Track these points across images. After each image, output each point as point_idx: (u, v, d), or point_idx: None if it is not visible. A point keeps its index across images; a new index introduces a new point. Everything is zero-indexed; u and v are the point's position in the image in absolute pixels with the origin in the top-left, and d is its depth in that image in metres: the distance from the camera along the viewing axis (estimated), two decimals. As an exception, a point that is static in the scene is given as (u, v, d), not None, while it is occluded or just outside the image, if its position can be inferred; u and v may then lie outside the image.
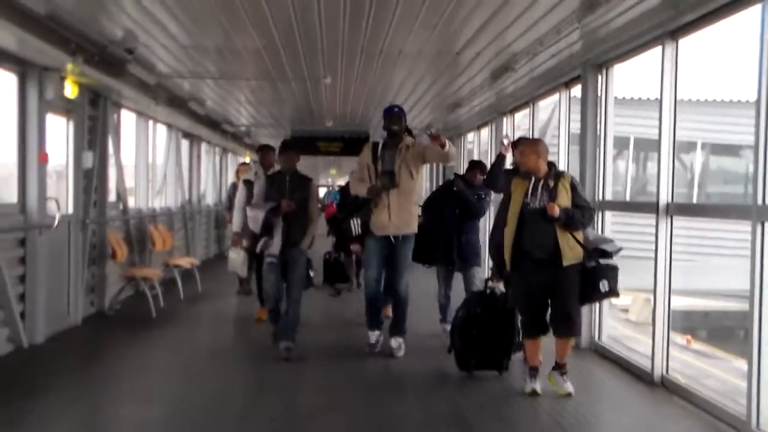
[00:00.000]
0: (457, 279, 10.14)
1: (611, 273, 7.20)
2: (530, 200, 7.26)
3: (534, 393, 7.34)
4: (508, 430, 6.50)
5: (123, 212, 12.90)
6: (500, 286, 8.03)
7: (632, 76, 19.35)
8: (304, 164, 10.08)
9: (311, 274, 9.57)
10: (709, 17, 7.04)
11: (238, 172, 13.79)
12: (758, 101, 6.01)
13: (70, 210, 10.46)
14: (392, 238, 8.76)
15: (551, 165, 7.45)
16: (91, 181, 11.00)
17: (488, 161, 11.49)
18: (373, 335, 9.00)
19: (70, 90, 9.64)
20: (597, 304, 8.91)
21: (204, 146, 20.47)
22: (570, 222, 7.13)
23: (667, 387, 7.59)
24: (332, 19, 8.66)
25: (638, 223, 11.08)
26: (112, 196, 12.27)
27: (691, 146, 22.16)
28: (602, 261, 7.20)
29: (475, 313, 8.00)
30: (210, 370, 8.48)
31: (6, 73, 8.98)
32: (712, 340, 16.11)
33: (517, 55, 10.17)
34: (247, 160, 24.36)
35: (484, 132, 17.11)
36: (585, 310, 7.97)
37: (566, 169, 9.67)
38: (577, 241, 7.17)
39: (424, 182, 21.01)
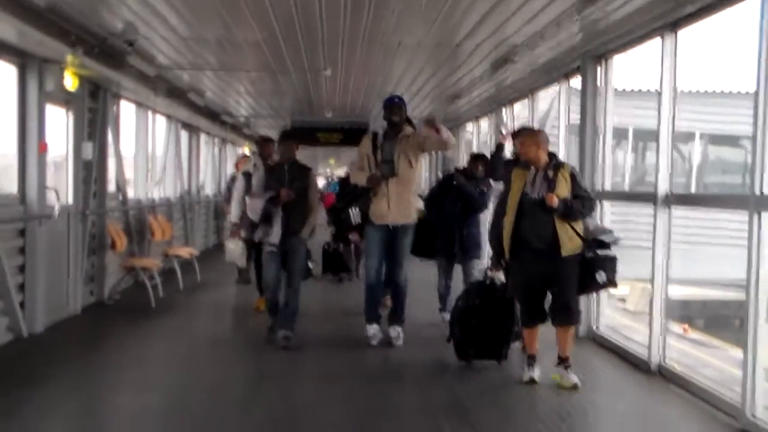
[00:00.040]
0: (456, 270, 10.17)
1: (609, 264, 7.21)
2: (529, 190, 7.26)
3: (531, 381, 7.38)
4: (505, 419, 6.53)
5: (122, 203, 12.93)
6: (500, 276, 8.03)
7: (632, 68, 19.36)
8: (303, 155, 10.09)
9: (310, 265, 9.59)
10: (708, 9, 7.05)
11: (237, 164, 13.80)
12: (757, 92, 6.05)
13: (70, 201, 10.48)
14: (391, 227, 8.77)
15: (552, 155, 7.45)
16: (90, 171, 11.02)
17: (488, 152, 11.51)
18: (371, 328, 8.96)
19: (70, 81, 9.64)
20: (595, 294, 8.93)
21: (203, 137, 20.47)
22: (568, 212, 7.13)
23: (663, 375, 7.65)
24: (333, 10, 8.67)
25: (637, 213, 11.13)
26: (111, 187, 12.29)
27: (689, 137, 22.19)
28: (600, 252, 7.21)
29: (475, 303, 8.00)
30: (209, 359, 8.52)
31: (6, 64, 8.98)
32: (709, 329, 16.15)
33: (516, 47, 10.18)
34: (247, 151, 24.40)
35: (484, 123, 17.14)
36: (583, 299, 7.98)
37: (566, 160, 9.69)
38: (576, 232, 7.18)
39: (423, 172, 21.01)
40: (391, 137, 8.81)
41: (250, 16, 8.93)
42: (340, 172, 39.01)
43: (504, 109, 14.58)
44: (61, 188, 10.14)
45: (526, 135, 7.88)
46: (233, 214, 10.52)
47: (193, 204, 18.58)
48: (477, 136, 17.82)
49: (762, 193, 6.02)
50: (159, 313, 11.01)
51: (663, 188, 7.80)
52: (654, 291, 7.83)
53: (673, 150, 7.99)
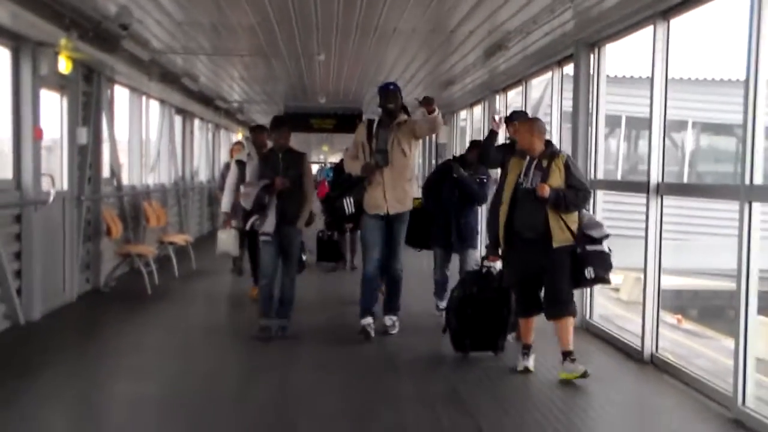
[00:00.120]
0: (453, 261, 10.09)
1: (598, 260, 7.12)
2: (523, 180, 7.23)
3: (526, 370, 7.42)
4: (502, 407, 6.56)
5: (117, 188, 12.92)
6: (496, 266, 7.95)
7: (626, 54, 19.39)
8: (296, 141, 10.08)
9: (304, 258, 9.54)
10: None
11: (232, 151, 13.79)
12: (747, 81, 6.08)
13: (65, 186, 10.48)
14: (387, 216, 8.71)
15: (548, 144, 7.40)
16: (85, 157, 11.00)
17: (481, 138, 11.54)
18: (367, 319, 8.79)
19: (64, 65, 9.63)
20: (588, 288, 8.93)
21: (197, 122, 20.43)
22: (559, 203, 7.06)
23: (656, 365, 7.71)
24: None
25: (630, 202, 11.16)
26: (105, 173, 12.29)
27: (682, 125, 22.23)
28: (589, 247, 7.11)
29: (471, 292, 7.92)
30: (205, 347, 8.55)
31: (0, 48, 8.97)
32: (703, 320, 16.24)
33: (510, 34, 10.20)
34: (240, 137, 24.36)
35: (477, 109, 17.16)
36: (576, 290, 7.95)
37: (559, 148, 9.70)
38: (567, 227, 7.10)
39: (417, 159, 21.04)
40: (386, 125, 8.72)
41: (244, 0, 8.93)
42: (334, 158, 38.99)
43: (497, 96, 14.60)
44: (56, 173, 10.14)
45: (520, 123, 7.88)
46: (224, 203, 10.50)
47: (187, 190, 18.57)
48: (471, 122, 17.83)
49: (752, 182, 6.06)
50: (155, 300, 11.02)
51: (655, 177, 7.82)
52: (646, 280, 7.87)
53: (666, 138, 8.01)
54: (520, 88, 13.25)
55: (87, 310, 10.40)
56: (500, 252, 7.59)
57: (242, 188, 9.26)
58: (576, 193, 7.14)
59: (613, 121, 21.14)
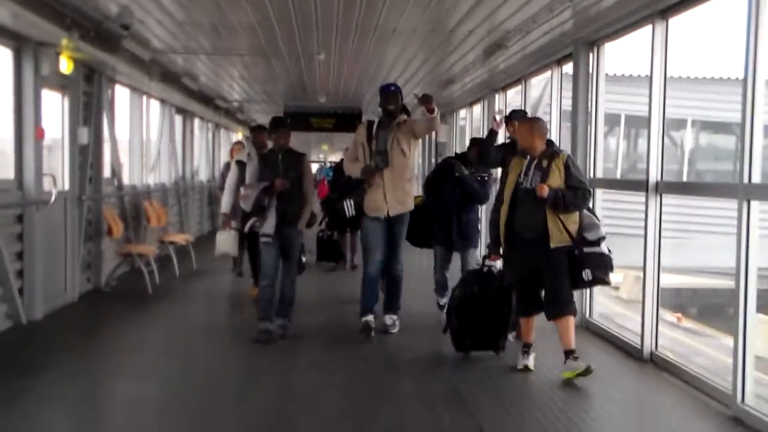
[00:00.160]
0: (454, 260, 10.06)
1: (596, 262, 7.10)
2: (523, 179, 7.23)
3: (526, 369, 7.44)
4: (502, 406, 6.58)
5: (118, 188, 12.95)
6: (497, 265, 7.94)
7: (626, 52, 19.43)
8: (296, 140, 10.09)
9: (303, 259, 9.53)
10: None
11: (232, 151, 13.79)
12: (745, 80, 6.11)
13: (66, 186, 10.51)
14: (388, 218, 8.69)
15: (550, 144, 7.38)
16: (86, 157, 11.03)
17: (481, 136, 11.55)
18: (368, 318, 8.79)
19: (66, 65, 9.67)
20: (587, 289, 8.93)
21: (197, 122, 20.45)
22: (557, 203, 7.04)
23: (656, 363, 7.73)
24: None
25: (629, 201, 11.19)
26: (107, 172, 12.31)
27: (681, 123, 22.24)
28: (587, 249, 7.09)
29: (472, 291, 7.90)
30: (207, 347, 8.57)
31: (1, 48, 8.99)
32: (702, 318, 16.26)
33: (509, 33, 10.23)
34: (240, 136, 24.38)
35: (477, 108, 17.19)
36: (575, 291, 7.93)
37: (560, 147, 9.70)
38: (565, 228, 7.08)
39: (417, 159, 21.07)
40: (386, 125, 8.71)
41: (245, 0, 8.95)
42: (334, 157, 39.02)
43: (497, 95, 14.62)
44: (57, 173, 10.16)
45: (521, 123, 7.87)
46: (224, 204, 10.48)
47: (187, 190, 18.60)
48: (470, 121, 17.86)
49: (750, 181, 6.09)
50: (156, 300, 11.05)
51: (654, 176, 7.85)
52: (646, 278, 7.89)
53: (665, 137, 8.02)
54: (519, 87, 13.28)
55: (88, 309, 10.43)
56: (501, 251, 7.60)
57: (242, 190, 9.19)
58: (575, 193, 7.11)
59: (612, 120, 21.16)
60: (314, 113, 20.38)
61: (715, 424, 6.17)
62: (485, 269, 8.00)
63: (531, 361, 7.48)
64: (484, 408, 6.47)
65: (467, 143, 10.88)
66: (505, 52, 11.11)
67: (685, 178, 21.86)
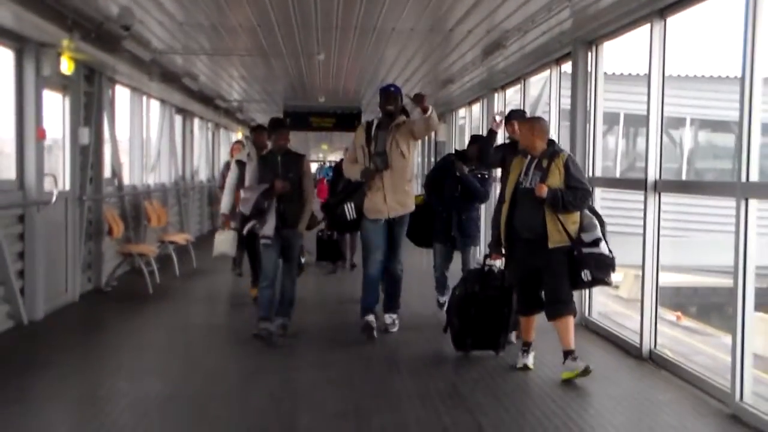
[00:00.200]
0: (454, 259, 10.08)
1: (595, 262, 7.07)
2: (523, 179, 7.23)
3: (525, 367, 7.48)
4: (501, 404, 6.59)
5: (118, 188, 12.98)
6: (497, 264, 7.94)
7: (626, 51, 19.46)
8: (296, 139, 10.10)
9: (302, 260, 9.52)
10: (696, -4, 7.18)
11: (232, 150, 13.81)
12: (743, 78, 6.13)
13: (67, 186, 10.54)
14: (388, 220, 8.67)
15: (551, 143, 7.36)
16: (87, 157, 11.06)
17: (481, 133, 11.57)
18: (369, 318, 8.76)
19: (67, 66, 9.70)
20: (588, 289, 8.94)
21: (197, 122, 20.49)
22: (556, 203, 7.02)
23: (655, 361, 7.77)
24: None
25: (629, 199, 11.23)
26: (107, 173, 12.34)
27: (680, 122, 22.28)
28: (586, 250, 7.07)
29: (473, 291, 7.89)
30: (207, 346, 8.60)
31: (3, 49, 9.03)
32: (702, 317, 16.30)
33: (508, 33, 10.26)
34: (240, 136, 24.41)
35: (476, 108, 17.21)
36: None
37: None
38: (564, 228, 7.06)
39: (416, 158, 21.11)
40: (385, 126, 8.65)
41: (245, 0, 8.98)
42: (333, 156, 39.05)
43: (496, 94, 14.65)
44: (57, 173, 10.19)
45: (521, 123, 7.86)
46: (224, 204, 10.47)
47: (187, 189, 18.63)
48: (469, 120, 17.89)
49: (748, 179, 6.12)
50: (156, 299, 11.09)
51: (652, 175, 7.87)
52: (644, 277, 7.92)
53: (665, 135, 8.05)
54: (518, 86, 13.31)
55: (89, 309, 10.46)
56: (502, 251, 7.60)
57: (242, 193, 9.18)
58: (575, 193, 7.08)
59: (611, 119, 21.21)
60: (314, 113, 20.42)
61: (713, 422, 6.20)
62: (486, 268, 7.99)
63: (530, 360, 7.51)
64: (484, 406, 6.49)
65: (467, 141, 10.90)
66: (503, 51, 11.14)
67: (684, 177, 21.90)
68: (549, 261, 7.10)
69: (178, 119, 18.09)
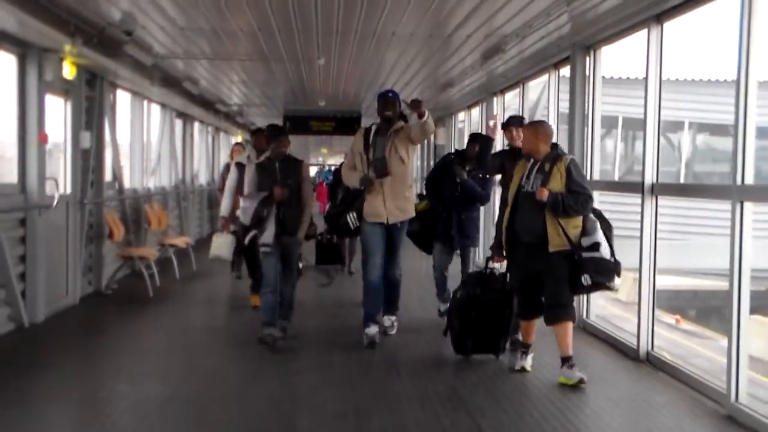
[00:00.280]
0: (454, 262, 10.09)
1: (594, 266, 7.04)
2: (525, 183, 7.23)
3: (523, 370, 7.50)
4: (500, 406, 6.61)
5: (119, 192, 13.02)
6: (498, 267, 7.93)
7: (624, 54, 19.48)
8: (296, 143, 10.14)
9: (300, 266, 9.50)
10: (693, 1, 7.20)
11: (232, 152, 13.82)
12: (738, 82, 6.16)
13: (68, 190, 10.58)
14: (387, 224, 8.57)
15: (554, 147, 7.34)
16: (88, 161, 11.11)
17: (480, 131, 11.62)
18: (372, 329, 8.58)
19: (69, 71, 9.74)
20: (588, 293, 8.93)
21: (197, 126, 20.52)
22: (556, 207, 7.00)
23: (652, 363, 7.80)
24: (327, 0, 8.79)
25: (628, 203, 11.25)
26: (108, 176, 12.38)
27: (678, 126, 22.32)
28: (585, 254, 7.04)
29: (474, 293, 7.86)
30: (207, 349, 8.63)
31: (6, 54, 9.07)
32: (701, 320, 16.31)
33: (507, 37, 10.32)
34: (239, 139, 24.45)
35: (475, 111, 17.26)
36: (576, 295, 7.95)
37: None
38: (565, 232, 7.03)
39: (416, 162, 21.15)
40: (383, 132, 8.57)
41: (246, 5, 9.03)
42: (333, 160, 39.06)
43: (495, 98, 14.70)
44: (59, 177, 10.24)
45: (525, 127, 7.84)
46: (223, 207, 10.43)
47: (187, 193, 18.66)
48: (469, 124, 17.94)
49: (743, 182, 6.16)
50: (156, 302, 11.13)
51: (649, 178, 7.89)
52: (642, 280, 7.95)
53: (663, 139, 8.09)
54: (517, 90, 13.34)
55: (89, 312, 10.49)
56: (501, 254, 7.63)
57: (241, 201, 9.16)
58: (576, 198, 7.04)
59: (610, 122, 21.25)
60: (314, 116, 20.47)
61: (709, 423, 6.24)
62: (487, 271, 7.99)
63: (529, 362, 7.53)
64: (483, 408, 6.52)
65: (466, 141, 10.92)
66: (502, 56, 11.19)
67: (682, 180, 21.94)
68: (549, 265, 7.09)
69: (178, 123, 18.13)
